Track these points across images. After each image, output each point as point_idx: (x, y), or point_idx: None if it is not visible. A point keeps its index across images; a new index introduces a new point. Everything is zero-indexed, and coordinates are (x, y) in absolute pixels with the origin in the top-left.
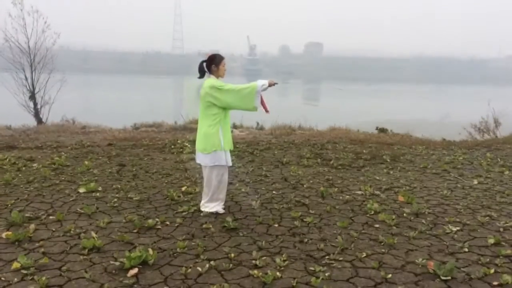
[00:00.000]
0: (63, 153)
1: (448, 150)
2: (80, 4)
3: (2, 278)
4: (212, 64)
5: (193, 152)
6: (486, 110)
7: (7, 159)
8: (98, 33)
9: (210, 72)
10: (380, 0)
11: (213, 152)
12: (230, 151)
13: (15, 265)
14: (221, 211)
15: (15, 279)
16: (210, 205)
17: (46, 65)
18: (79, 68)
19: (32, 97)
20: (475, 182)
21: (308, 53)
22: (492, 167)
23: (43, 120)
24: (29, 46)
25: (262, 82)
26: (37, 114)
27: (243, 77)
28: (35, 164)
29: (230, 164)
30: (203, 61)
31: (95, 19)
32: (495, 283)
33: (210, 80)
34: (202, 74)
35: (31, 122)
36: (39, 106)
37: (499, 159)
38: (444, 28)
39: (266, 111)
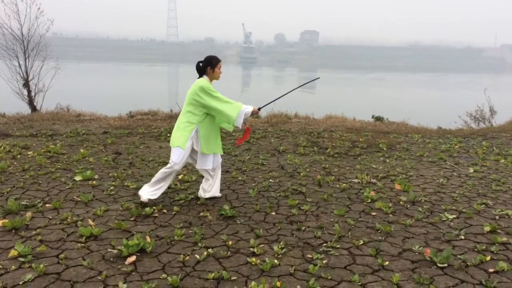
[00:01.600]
0: (58, 141)
1: (444, 139)
2: None
3: (0, 266)
4: (208, 66)
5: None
6: (481, 99)
7: (2, 147)
8: (91, 20)
9: (205, 73)
10: None
11: (175, 147)
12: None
13: (13, 252)
14: (144, 199)
15: (13, 266)
16: (146, 189)
17: (40, 52)
18: (72, 56)
19: (26, 84)
20: (471, 170)
21: (304, 41)
22: (487, 156)
23: (37, 107)
24: (22, 33)
25: (247, 106)
26: (31, 102)
27: (239, 65)
28: (30, 152)
29: (201, 167)
30: (199, 62)
31: (88, 6)
32: (491, 270)
33: (202, 80)
34: (201, 74)
35: (25, 109)
36: (33, 94)
37: (494, 148)
38: (440, 17)
39: (240, 141)
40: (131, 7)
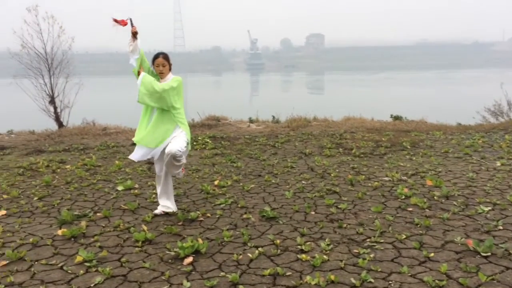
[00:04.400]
0: (91, 154)
1: (466, 134)
2: (74, 6)
3: (69, 271)
4: None
5: (216, 147)
6: (496, 93)
7: (40, 162)
8: (98, 35)
9: None
10: None
11: None
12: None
13: (78, 258)
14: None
15: (81, 271)
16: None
17: (63, 69)
18: (84, 71)
19: (52, 101)
20: (498, 164)
21: (310, 45)
22: None
23: (64, 123)
24: (45, 52)
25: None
26: (57, 118)
27: (247, 72)
28: (68, 166)
29: (149, 159)
30: None
31: (94, 21)
32: None
33: None
34: None
35: (52, 126)
36: (59, 110)
37: None
38: (446, 13)
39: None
40: (137, 20)
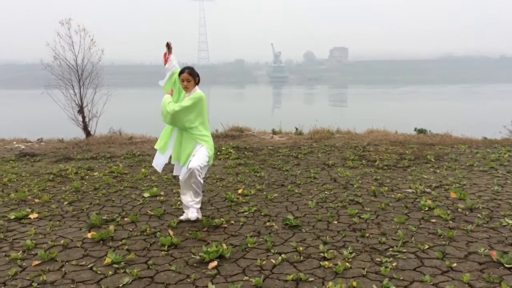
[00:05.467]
0: (118, 162)
1: (492, 148)
2: (101, 19)
3: (98, 272)
4: None
5: (239, 157)
6: None
7: (69, 169)
8: (125, 47)
9: None
10: (404, 1)
11: None
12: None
13: (107, 260)
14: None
15: (109, 272)
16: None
17: (92, 80)
18: (109, 82)
19: (81, 111)
20: None
21: (333, 58)
22: None
23: (91, 132)
24: (76, 63)
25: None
26: (85, 127)
27: (270, 84)
28: (96, 173)
29: (175, 172)
30: None
31: (122, 33)
32: None
33: None
34: None
35: (80, 134)
36: (87, 120)
37: None
38: (472, 27)
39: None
40: (162, 33)
